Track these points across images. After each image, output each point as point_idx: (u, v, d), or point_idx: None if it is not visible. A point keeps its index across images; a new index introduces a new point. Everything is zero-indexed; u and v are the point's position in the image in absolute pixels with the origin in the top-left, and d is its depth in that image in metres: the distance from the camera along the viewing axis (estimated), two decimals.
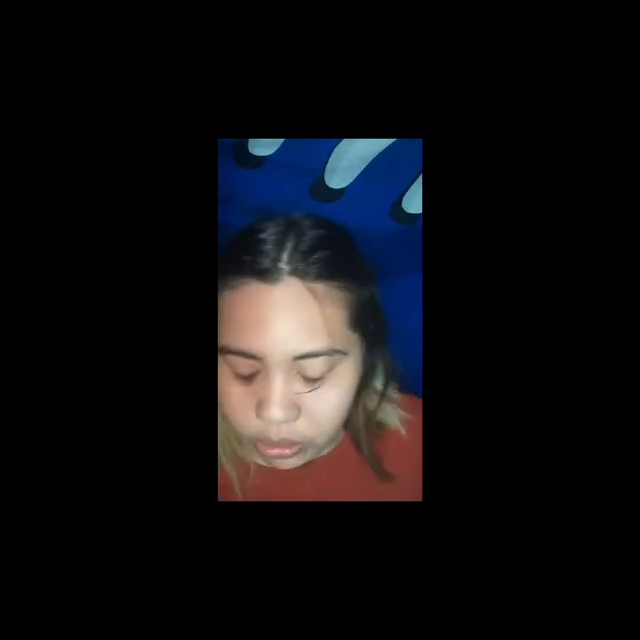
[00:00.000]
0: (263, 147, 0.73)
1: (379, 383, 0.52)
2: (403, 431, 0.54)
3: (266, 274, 0.42)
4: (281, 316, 0.41)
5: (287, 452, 0.45)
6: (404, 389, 0.56)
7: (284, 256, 0.43)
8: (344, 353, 0.43)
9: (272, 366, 0.42)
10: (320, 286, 0.42)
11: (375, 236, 0.80)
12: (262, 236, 0.45)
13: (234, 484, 0.51)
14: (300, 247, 0.43)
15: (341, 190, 0.77)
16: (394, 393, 0.55)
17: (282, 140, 0.72)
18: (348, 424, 0.51)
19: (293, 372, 0.42)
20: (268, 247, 0.43)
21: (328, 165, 0.75)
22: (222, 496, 0.52)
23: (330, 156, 0.74)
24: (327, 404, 0.44)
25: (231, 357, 0.43)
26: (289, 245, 0.43)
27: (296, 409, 0.43)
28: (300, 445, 0.45)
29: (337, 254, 0.45)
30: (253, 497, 0.51)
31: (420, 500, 0.51)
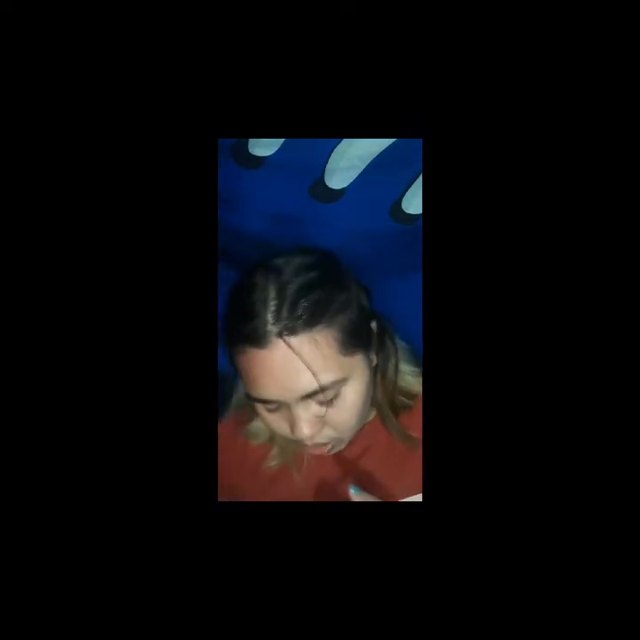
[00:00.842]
0: (263, 147, 0.73)
1: (392, 367, 0.60)
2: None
3: (256, 339, 0.49)
4: (278, 373, 0.49)
5: (325, 450, 0.55)
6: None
7: (270, 318, 0.49)
8: (344, 379, 0.51)
9: (290, 404, 0.51)
10: (305, 336, 0.49)
11: (375, 236, 0.80)
12: (252, 297, 0.50)
13: (292, 471, 0.62)
14: (286, 302, 0.49)
15: (341, 190, 0.77)
16: (413, 371, 0.63)
17: (282, 140, 0.72)
18: (373, 402, 0.59)
19: (309, 401, 0.51)
20: (257, 310, 0.49)
21: (328, 165, 0.74)
22: (277, 481, 0.62)
23: (330, 156, 0.73)
24: (345, 412, 0.53)
25: (256, 403, 0.54)
26: (272, 305, 0.49)
27: (320, 423, 0.52)
28: (332, 443, 0.55)
29: (324, 292, 0.51)
30: (306, 477, 0.61)
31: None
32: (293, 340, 0.48)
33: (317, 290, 0.51)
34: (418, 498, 0.59)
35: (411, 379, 0.62)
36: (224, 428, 0.62)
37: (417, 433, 0.58)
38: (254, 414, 0.59)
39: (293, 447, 0.61)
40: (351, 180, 0.77)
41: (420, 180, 0.76)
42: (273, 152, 0.73)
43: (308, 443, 0.54)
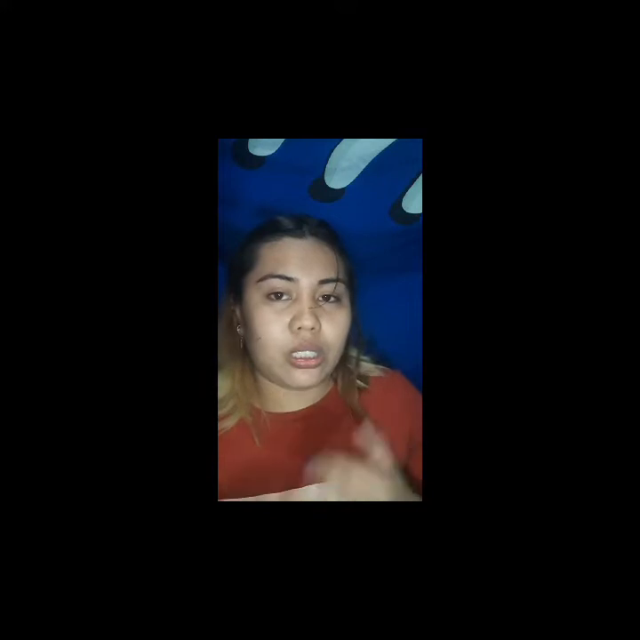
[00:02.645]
0: (263, 147, 0.73)
1: (354, 352, 0.70)
2: (381, 374, 0.72)
3: (295, 233, 0.63)
4: (309, 256, 0.62)
5: (313, 362, 0.60)
6: (378, 360, 0.73)
7: (304, 226, 0.64)
8: (346, 284, 0.63)
9: (303, 287, 0.60)
10: (328, 244, 0.64)
11: (375, 236, 0.80)
12: (283, 219, 0.65)
13: (252, 432, 0.64)
14: (311, 224, 0.65)
15: (341, 190, 0.77)
16: (369, 360, 0.73)
17: (282, 140, 0.72)
18: (335, 378, 0.69)
19: (315, 296, 0.61)
20: (292, 223, 0.64)
21: (328, 165, 0.75)
22: (235, 444, 0.63)
23: (330, 156, 0.74)
24: (336, 324, 0.62)
25: (271, 281, 0.60)
26: (303, 222, 0.64)
27: (318, 322, 0.60)
28: (321, 356, 0.60)
29: (331, 233, 0.66)
30: (265, 439, 0.64)
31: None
32: (327, 242, 0.64)
33: (329, 230, 0.65)
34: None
35: (367, 365, 0.72)
36: None
37: (371, 414, 0.67)
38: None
39: (257, 403, 0.66)
40: (351, 180, 0.77)
41: (419, 180, 0.77)
42: (273, 152, 0.73)
43: (305, 339, 0.59)
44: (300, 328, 0.59)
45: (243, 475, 0.62)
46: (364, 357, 0.71)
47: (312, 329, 0.59)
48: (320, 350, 0.60)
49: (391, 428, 0.63)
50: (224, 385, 0.66)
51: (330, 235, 0.65)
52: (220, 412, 0.64)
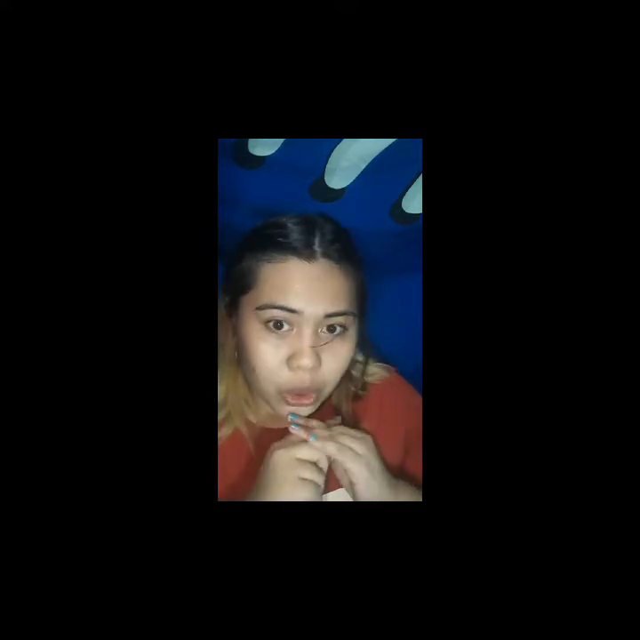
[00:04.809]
0: (263, 147, 0.73)
1: (360, 355, 0.65)
2: (387, 374, 0.69)
3: (303, 253, 0.54)
4: (316, 285, 0.54)
5: (305, 401, 0.56)
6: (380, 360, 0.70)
7: (316, 241, 0.55)
8: (354, 314, 0.56)
9: (306, 321, 0.53)
10: (341, 266, 0.56)
11: (375, 236, 0.80)
12: (292, 224, 0.56)
13: (247, 441, 0.61)
14: (326, 237, 0.56)
15: (341, 190, 0.77)
16: (373, 363, 0.69)
17: (282, 140, 0.72)
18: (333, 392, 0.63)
19: (320, 329, 0.55)
20: (299, 234, 0.55)
21: (328, 165, 0.75)
22: (232, 453, 0.61)
23: (330, 156, 0.74)
24: (338, 358, 0.56)
25: (271, 311, 0.54)
26: (318, 234, 0.56)
27: (319, 359, 0.55)
28: (316, 394, 0.56)
29: (346, 245, 0.58)
30: (260, 449, 0.61)
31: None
32: (337, 265, 0.55)
33: (344, 241, 0.58)
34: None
35: (370, 368, 0.68)
36: None
37: (364, 423, 0.64)
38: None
39: (253, 418, 0.63)
40: (351, 180, 0.77)
41: (419, 180, 0.77)
42: (273, 152, 0.73)
43: (302, 383, 0.55)
44: (298, 366, 0.54)
45: (240, 483, 0.60)
46: (358, 358, 0.66)
47: (313, 368, 0.54)
48: (317, 389, 0.56)
49: (386, 431, 0.63)
50: (218, 392, 0.62)
51: (345, 249, 0.56)
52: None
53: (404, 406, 0.69)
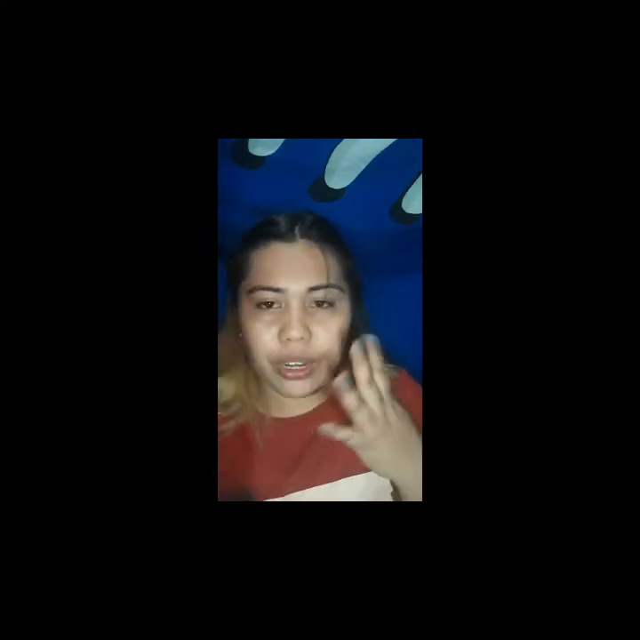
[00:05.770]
0: (263, 147, 0.73)
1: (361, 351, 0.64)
2: (396, 374, 0.69)
3: (285, 237, 0.61)
4: (298, 263, 0.59)
5: (301, 374, 0.59)
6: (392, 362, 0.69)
7: (296, 227, 0.61)
8: (341, 288, 0.61)
9: (292, 297, 0.58)
10: (321, 245, 0.61)
11: (375, 236, 0.80)
12: (279, 219, 0.63)
13: (256, 435, 0.64)
14: (306, 223, 0.62)
15: (341, 190, 0.77)
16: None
17: (282, 140, 0.72)
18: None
19: (305, 304, 0.59)
20: (284, 224, 0.62)
21: (328, 165, 0.75)
22: (238, 446, 0.63)
23: (330, 156, 0.74)
24: (329, 331, 0.60)
25: (260, 293, 0.59)
26: (298, 222, 0.62)
27: (308, 331, 0.59)
28: (311, 366, 0.60)
29: (329, 231, 0.63)
30: (268, 442, 0.64)
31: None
32: (317, 243, 0.61)
33: (326, 227, 0.63)
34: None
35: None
36: None
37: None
38: (221, 369, 0.65)
39: (261, 408, 0.66)
40: (351, 180, 0.77)
41: (419, 180, 0.77)
42: (273, 152, 0.73)
43: (293, 352, 0.58)
44: (288, 339, 0.58)
45: (246, 477, 0.62)
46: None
47: (301, 339, 0.58)
48: (310, 360, 0.59)
49: None
50: (229, 388, 0.66)
51: (325, 234, 0.62)
52: (224, 414, 0.64)
53: (415, 404, 0.69)
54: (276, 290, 0.58)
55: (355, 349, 0.52)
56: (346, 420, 0.64)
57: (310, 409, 0.66)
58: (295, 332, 0.57)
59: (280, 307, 0.59)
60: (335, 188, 0.78)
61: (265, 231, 0.62)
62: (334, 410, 0.65)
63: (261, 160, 0.75)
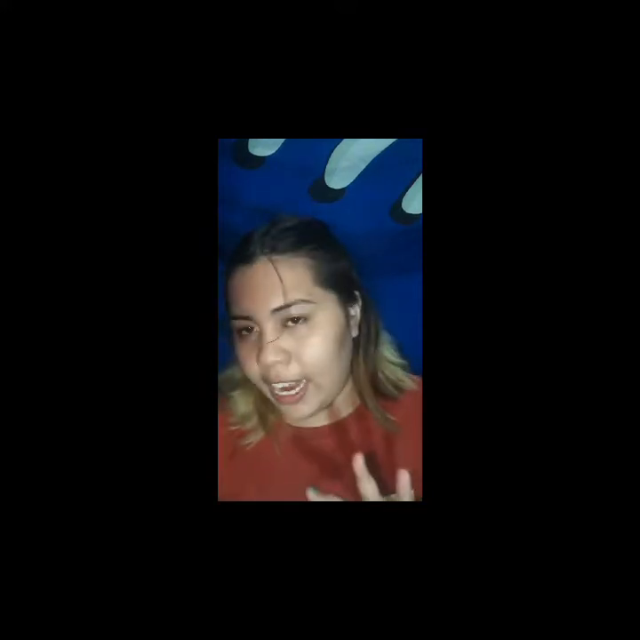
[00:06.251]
0: (263, 147, 0.73)
1: (372, 350, 0.64)
2: (414, 386, 0.66)
3: (246, 259, 0.57)
4: (257, 286, 0.56)
5: (293, 393, 0.56)
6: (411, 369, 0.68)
7: (257, 243, 0.57)
8: (311, 301, 0.56)
9: (260, 322, 0.55)
10: (283, 258, 0.56)
11: (375, 236, 0.80)
12: (249, 234, 0.59)
13: (273, 443, 0.63)
14: (271, 233, 0.57)
15: (341, 190, 0.77)
16: (403, 364, 0.67)
17: (282, 140, 0.72)
18: (356, 386, 0.64)
19: (277, 325, 0.55)
20: (252, 242, 0.57)
21: (328, 165, 0.75)
22: (258, 456, 0.63)
23: (330, 156, 0.74)
24: (312, 347, 0.56)
25: (235, 322, 0.57)
26: (262, 234, 0.58)
27: (285, 353, 0.55)
28: (302, 387, 0.57)
29: (302, 237, 0.58)
30: (287, 452, 0.63)
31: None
32: (274, 259, 0.56)
33: (301, 229, 0.59)
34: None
35: (401, 373, 0.66)
36: None
37: (397, 417, 0.63)
38: (238, 384, 0.65)
39: (272, 416, 0.64)
40: (351, 180, 0.77)
41: (419, 180, 0.77)
42: (273, 152, 0.73)
43: (274, 378, 0.55)
44: (263, 364, 0.55)
45: (266, 486, 0.61)
46: (391, 358, 0.66)
47: (278, 362, 0.55)
48: (296, 381, 0.56)
49: (417, 435, 0.62)
50: (246, 400, 0.65)
51: (293, 243, 0.57)
52: (243, 427, 0.64)
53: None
54: (245, 317, 0.56)
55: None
56: (370, 432, 0.63)
57: (329, 422, 0.64)
58: (269, 357, 0.55)
59: (256, 331, 0.56)
60: (335, 188, 0.78)
61: (237, 252, 0.59)
62: (356, 424, 0.64)
63: (261, 160, 0.75)
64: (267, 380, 0.57)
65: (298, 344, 0.56)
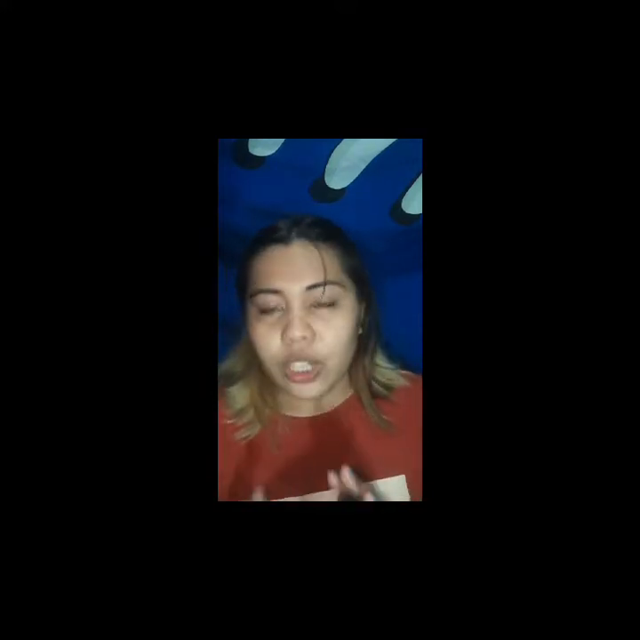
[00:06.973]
0: (263, 147, 0.73)
1: (371, 349, 0.68)
2: (406, 383, 0.70)
3: (282, 240, 0.61)
4: (294, 263, 0.59)
5: (309, 375, 0.59)
6: (404, 367, 0.72)
7: (294, 228, 0.62)
8: (341, 285, 0.60)
9: (291, 297, 0.58)
10: (318, 243, 0.61)
11: (375, 236, 0.80)
12: (279, 224, 0.63)
13: (269, 438, 0.65)
14: (304, 223, 0.62)
15: (341, 190, 0.77)
16: (394, 366, 0.71)
17: (282, 140, 0.72)
18: (352, 382, 0.68)
19: (307, 304, 0.59)
20: (283, 228, 0.62)
21: (328, 165, 0.75)
22: (255, 450, 0.65)
23: (330, 156, 0.74)
24: (334, 329, 0.59)
25: (261, 296, 0.59)
26: (296, 224, 0.62)
27: (311, 330, 0.58)
28: (317, 367, 0.60)
29: (327, 231, 0.63)
30: (284, 443, 0.65)
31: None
32: (314, 242, 0.61)
33: (325, 228, 0.63)
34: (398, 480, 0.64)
35: (391, 373, 0.70)
36: None
37: (390, 417, 0.67)
38: (236, 378, 0.67)
39: (271, 409, 0.67)
40: (351, 180, 0.77)
41: (419, 180, 0.77)
42: (273, 152, 0.73)
43: (297, 353, 0.58)
44: (291, 339, 0.57)
45: (261, 479, 0.62)
46: (381, 363, 0.70)
47: (304, 338, 0.57)
48: (316, 361, 0.59)
49: (414, 431, 0.65)
50: (244, 395, 0.67)
51: (324, 233, 0.62)
52: (240, 422, 0.66)
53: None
54: (275, 291, 0.58)
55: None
56: (361, 426, 0.66)
57: (321, 412, 0.67)
58: (297, 332, 0.57)
59: (282, 310, 0.59)
60: (335, 188, 0.78)
61: (264, 237, 0.62)
62: (347, 416, 0.67)
63: (261, 160, 0.75)
64: (286, 359, 0.59)
65: (322, 326, 0.59)
